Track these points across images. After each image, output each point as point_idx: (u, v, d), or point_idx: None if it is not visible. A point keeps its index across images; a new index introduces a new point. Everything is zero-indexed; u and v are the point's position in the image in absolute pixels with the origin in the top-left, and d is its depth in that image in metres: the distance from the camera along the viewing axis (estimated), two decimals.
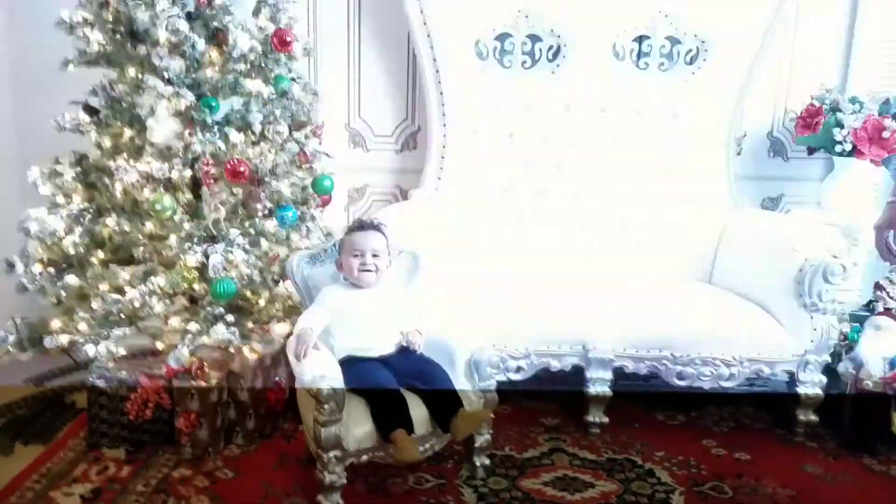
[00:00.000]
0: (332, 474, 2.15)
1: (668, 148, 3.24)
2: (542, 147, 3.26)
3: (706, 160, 3.24)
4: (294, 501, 2.28)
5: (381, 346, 2.35)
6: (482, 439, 2.40)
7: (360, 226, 2.40)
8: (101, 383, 2.53)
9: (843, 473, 2.54)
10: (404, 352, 2.36)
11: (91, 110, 2.62)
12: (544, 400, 2.98)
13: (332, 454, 2.15)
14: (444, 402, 2.24)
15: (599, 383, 2.73)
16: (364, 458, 2.21)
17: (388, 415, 2.18)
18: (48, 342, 2.53)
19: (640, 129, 3.25)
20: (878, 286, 2.86)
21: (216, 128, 2.44)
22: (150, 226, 2.48)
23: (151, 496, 2.29)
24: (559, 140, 3.26)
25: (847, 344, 2.78)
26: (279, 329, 2.65)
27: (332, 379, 2.13)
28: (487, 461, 2.45)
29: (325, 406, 2.12)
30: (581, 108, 3.24)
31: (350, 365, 2.28)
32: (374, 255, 2.34)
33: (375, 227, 2.40)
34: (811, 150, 3.22)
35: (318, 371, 2.14)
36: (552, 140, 3.26)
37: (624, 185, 3.26)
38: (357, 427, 2.18)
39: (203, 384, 2.48)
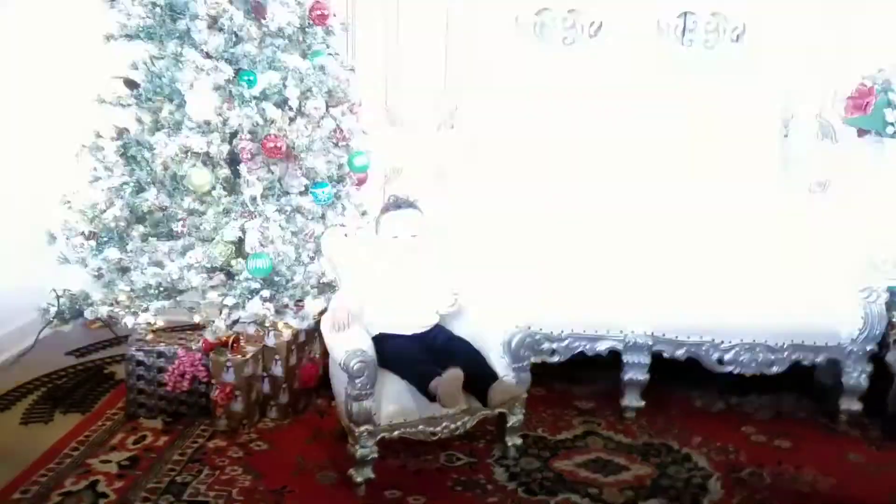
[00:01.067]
0: (364, 448, 2.16)
1: (714, 128, 3.15)
2: (585, 124, 3.19)
3: (754, 141, 3.14)
4: (326, 475, 2.29)
5: (416, 323, 2.34)
6: (514, 419, 2.38)
7: (397, 204, 2.37)
8: (139, 355, 2.57)
9: (887, 464, 2.46)
10: (437, 329, 2.35)
11: (132, 84, 2.64)
12: (579, 383, 2.94)
13: (363, 429, 2.15)
14: (478, 374, 2.22)
15: (636, 368, 2.68)
16: (396, 433, 2.21)
17: (425, 369, 2.17)
18: (88, 314, 2.57)
19: (685, 108, 3.16)
20: None
21: (254, 103, 2.44)
22: (188, 200, 2.49)
23: (187, 465, 2.32)
24: (601, 117, 3.19)
25: None
26: (313, 305, 2.65)
27: (365, 354, 2.13)
28: (519, 441, 2.43)
29: (357, 381, 2.12)
30: (621, 86, 3.16)
31: (385, 342, 2.27)
32: (412, 235, 2.33)
33: (411, 205, 2.37)
34: (861, 132, 3.10)
35: (351, 346, 2.14)
36: (593, 117, 3.19)
37: (668, 164, 3.17)
38: (389, 403, 2.19)
39: (239, 357, 2.50)
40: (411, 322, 2.33)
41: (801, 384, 2.88)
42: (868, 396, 2.69)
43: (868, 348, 2.64)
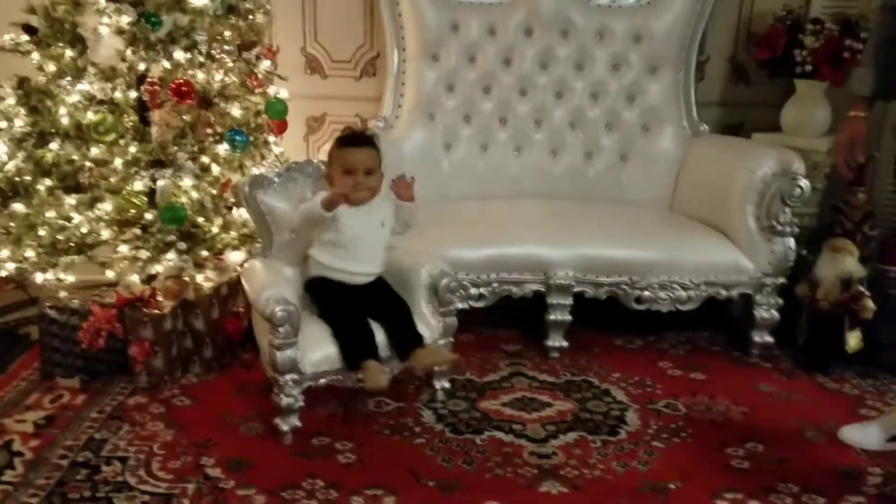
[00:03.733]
0: (289, 397, 2.15)
1: (629, 73, 3.20)
2: (504, 71, 3.21)
3: (667, 86, 3.20)
4: (251, 426, 2.28)
5: (362, 270, 2.29)
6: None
7: (352, 139, 2.25)
8: (52, 313, 2.48)
9: (797, 392, 2.59)
10: (375, 282, 2.33)
11: (31, 30, 2.50)
12: (506, 327, 2.99)
13: (288, 377, 2.14)
14: (405, 335, 2.23)
15: (559, 309, 2.74)
16: (322, 381, 2.21)
17: (357, 343, 2.16)
18: None
19: (602, 53, 3.20)
20: (835, 208, 2.88)
21: (160, 46, 2.34)
22: (95, 150, 2.39)
23: (106, 422, 2.27)
24: (520, 64, 3.20)
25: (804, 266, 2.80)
26: (234, 258, 2.61)
27: (288, 303, 2.10)
28: (448, 384, 2.46)
29: (280, 329, 2.09)
30: (542, 32, 3.17)
31: (321, 289, 2.25)
32: (368, 173, 2.23)
33: (368, 142, 2.26)
34: (772, 74, 3.19)
35: (274, 294, 2.11)
36: (513, 65, 3.20)
37: (586, 111, 3.23)
38: (314, 351, 2.17)
39: (156, 312, 2.44)
40: (359, 269, 2.29)
41: (716, 320, 3.00)
42: (778, 329, 2.82)
43: (777, 282, 2.76)
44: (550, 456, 2.15)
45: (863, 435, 2.27)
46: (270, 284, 2.18)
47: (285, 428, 2.18)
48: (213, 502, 1.91)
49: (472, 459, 2.14)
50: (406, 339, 2.23)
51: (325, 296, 2.27)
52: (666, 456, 2.17)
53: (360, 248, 2.27)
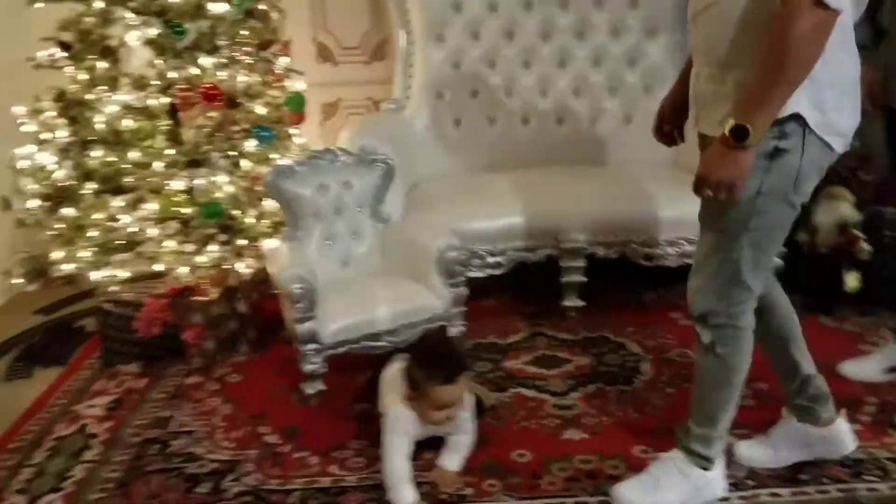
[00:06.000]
0: (312, 364, 2.37)
1: (629, 37, 3.33)
2: (507, 45, 3.34)
3: (666, 47, 3.32)
4: (296, 396, 2.49)
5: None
6: (454, 331, 2.55)
7: (449, 377, 1.95)
8: (109, 306, 2.70)
9: None
10: None
11: (64, 45, 2.67)
12: (523, 291, 3.17)
13: (309, 347, 2.35)
14: None
15: (573, 271, 2.91)
16: (340, 350, 2.41)
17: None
18: (53, 272, 2.68)
19: (601, 20, 3.32)
20: None
21: (186, 54, 2.51)
22: (134, 154, 2.59)
23: (168, 401, 2.51)
24: (522, 37, 3.33)
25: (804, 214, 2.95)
26: (268, 245, 2.81)
27: (305, 280, 2.30)
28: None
29: (299, 305, 2.30)
30: (542, 3, 3.30)
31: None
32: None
33: (461, 372, 1.99)
34: None
35: (292, 273, 2.32)
36: (516, 38, 3.33)
37: (589, 77, 3.37)
38: (333, 322, 2.37)
39: (204, 300, 2.66)
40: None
41: None
42: (783, 275, 2.97)
43: None
44: (571, 407, 2.36)
45: (861, 368, 2.46)
46: (290, 264, 2.39)
47: (310, 392, 2.41)
48: (274, 465, 2.15)
49: (499, 415, 2.33)
50: None
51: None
52: (678, 400, 2.35)
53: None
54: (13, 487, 2.10)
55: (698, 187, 1.62)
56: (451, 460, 2.06)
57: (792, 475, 2.01)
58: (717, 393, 1.86)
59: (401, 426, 2.01)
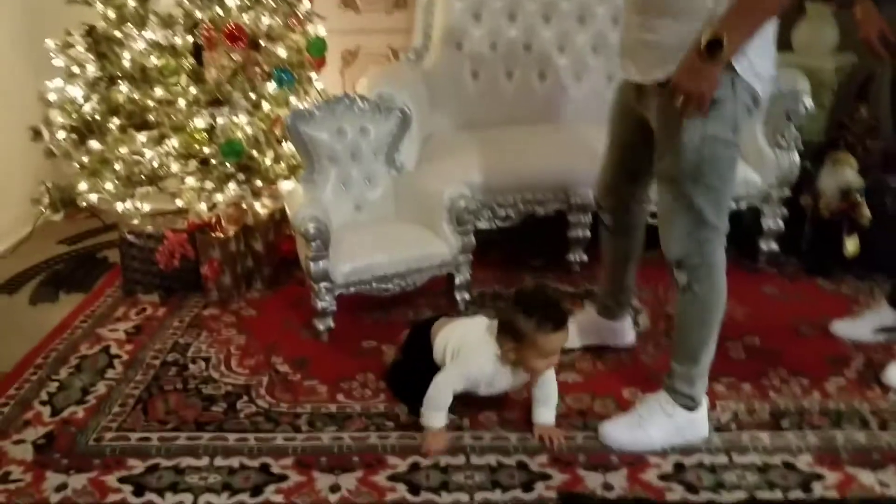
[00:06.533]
0: (323, 301, 2.48)
1: None
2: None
3: None
4: (307, 331, 2.61)
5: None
6: (461, 278, 2.67)
7: (558, 323, 1.95)
8: (131, 238, 2.82)
9: (797, 293, 2.85)
10: None
11: None
12: (531, 244, 3.25)
13: (321, 285, 2.46)
14: None
15: (580, 227, 2.98)
16: (351, 290, 2.52)
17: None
18: (79, 202, 2.79)
19: None
20: (840, 123, 3.05)
21: None
22: (159, 91, 2.68)
23: (187, 329, 2.64)
24: None
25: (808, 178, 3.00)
26: (285, 186, 2.90)
27: (318, 219, 2.40)
28: (468, 296, 2.72)
29: (313, 244, 2.40)
30: None
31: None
32: None
33: (567, 319, 2.01)
34: None
35: (307, 213, 2.41)
36: None
37: (608, 35, 3.37)
38: (345, 264, 2.48)
39: (223, 236, 2.77)
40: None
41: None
42: (784, 238, 3.05)
43: (783, 194, 2.97)
44: (569, 353, 2.46)
45: (853, 327, 2.54)
46: (306, 205, 2.49)
47: (321, 328, 2.52)
48: (284, 390, 2.28)
49: None
50: None
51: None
52: (670, 350, 2.45)
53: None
54: (39, 399, 2.25)
55: (673, 95, 1.73)
56: (547, 414, 2.08)
57: (774, 421, 2.12)
58: (696, 332, 1.99)
59: (473, 375, 2.03)
